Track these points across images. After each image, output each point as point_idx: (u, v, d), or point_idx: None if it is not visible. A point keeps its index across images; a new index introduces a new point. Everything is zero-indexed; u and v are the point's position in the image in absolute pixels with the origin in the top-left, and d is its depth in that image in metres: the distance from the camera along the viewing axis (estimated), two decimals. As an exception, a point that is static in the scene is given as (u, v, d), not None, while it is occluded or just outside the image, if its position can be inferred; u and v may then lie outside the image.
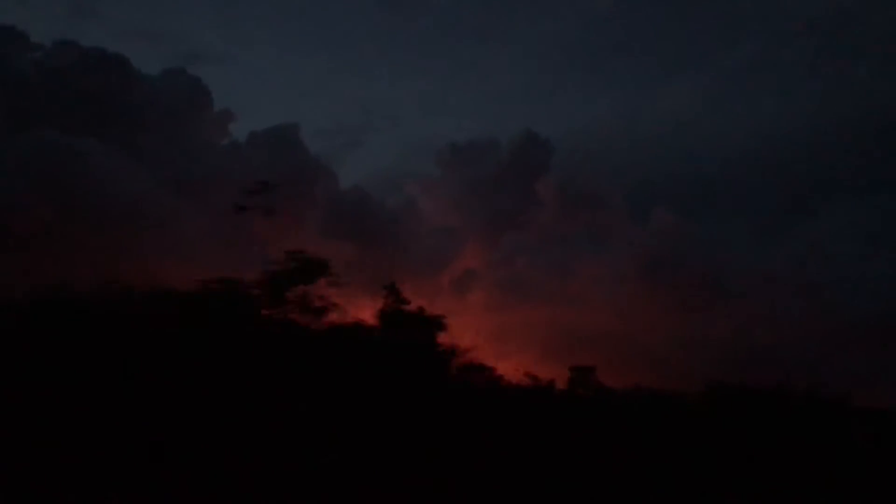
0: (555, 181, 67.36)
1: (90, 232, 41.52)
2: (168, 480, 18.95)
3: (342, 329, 25.93)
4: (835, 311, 56.65)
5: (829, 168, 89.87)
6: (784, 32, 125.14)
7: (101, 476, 18.72)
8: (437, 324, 30.76)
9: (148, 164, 49.36)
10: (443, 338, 30.67)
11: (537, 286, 60.50)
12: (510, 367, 37.15)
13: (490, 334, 55.85)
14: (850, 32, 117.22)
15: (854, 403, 31.65)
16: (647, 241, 62.80)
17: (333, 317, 25.88)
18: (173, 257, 44.91)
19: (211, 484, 19.23)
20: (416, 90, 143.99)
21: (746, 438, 27.28)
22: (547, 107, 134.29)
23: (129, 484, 18.65)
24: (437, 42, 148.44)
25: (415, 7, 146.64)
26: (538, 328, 59.69)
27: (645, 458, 24.96)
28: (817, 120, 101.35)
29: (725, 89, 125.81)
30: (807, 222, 73.36)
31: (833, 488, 25.16)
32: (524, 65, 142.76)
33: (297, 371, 22.68)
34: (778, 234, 75.45)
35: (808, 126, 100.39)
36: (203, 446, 20.35)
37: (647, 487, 23.02)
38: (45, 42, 55.17)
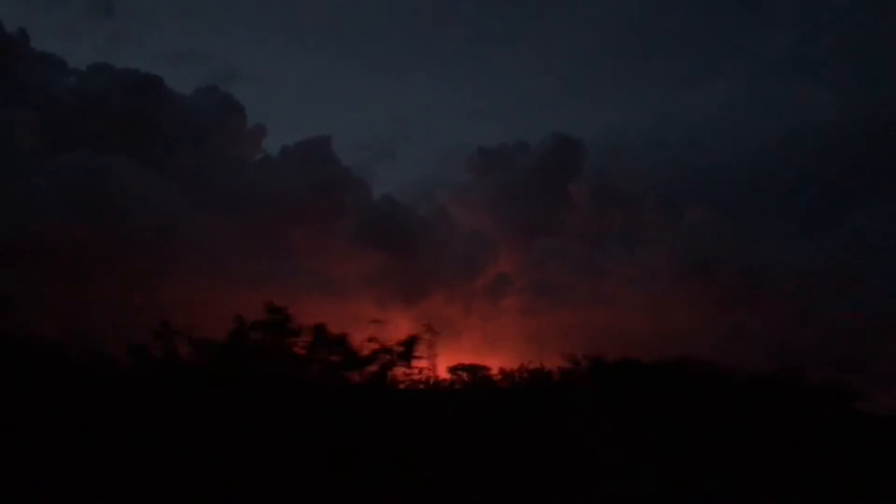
0: (587, 183, 66.84)
1: (125, 248, 42.43)
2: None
3: None
4: (877, 304, 55.26)
5: (869, 161, 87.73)
6: (817, 25, 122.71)
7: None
8: None
9: (181, 181, 50.32)
10: None
11: (572, 289, 60.04)
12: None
13: (527, 339, 55.70)
14: (885, 23, 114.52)
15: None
16: (684, 240, 61.98)
17: None
18: (208, 273, 45.75)
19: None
20: (448, 98, 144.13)
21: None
22: (579, 109, 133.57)
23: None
24: (467, 50, 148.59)
25: (444, 16, 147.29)
26: (575, 331, 59.21)
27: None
28: (855, 112, 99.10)
29: (759, 84, 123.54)
30: (847, 216, 71.67)
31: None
32: (556, 68, 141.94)
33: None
34: (818, 228, 73.93)
35: (846, 119, 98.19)
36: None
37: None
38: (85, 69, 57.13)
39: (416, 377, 28.26)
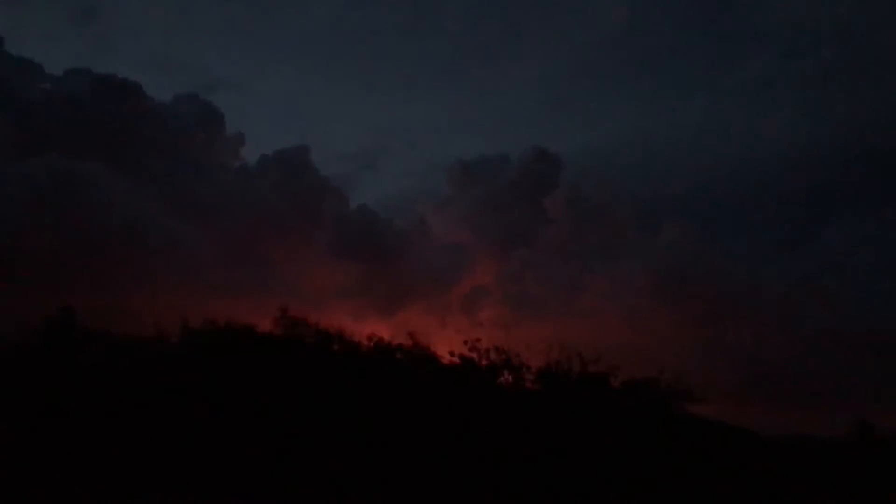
0: (565, 197, 67.08)
1: (98, 255, 41.92)
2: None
3: None
4: (850, 321, 55.77)
5: (843, 179, 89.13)
6: (794, 48, 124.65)
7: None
8: None
9: (157, 187, 49.91)
10: None
11: (549, 301, 60.11)
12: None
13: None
14: (860, 47, 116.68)
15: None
16: (660, 254, 62.23)
17: None
18: (182, 280, 45.33)
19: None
20: (431, 112, 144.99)
21: None
22: (561, 125, 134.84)
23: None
24: (450, 64, 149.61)
25: (428, 31, 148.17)
26: (552, 345, 59.07)
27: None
28: (831, 133, 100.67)
29: (737, 103, 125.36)
30: (822, 234, 72.53)
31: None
32: (538, 84, 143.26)
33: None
34: (793, 246, 74.75)
35: (823, 139, 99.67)
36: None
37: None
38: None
39: None
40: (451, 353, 28.01)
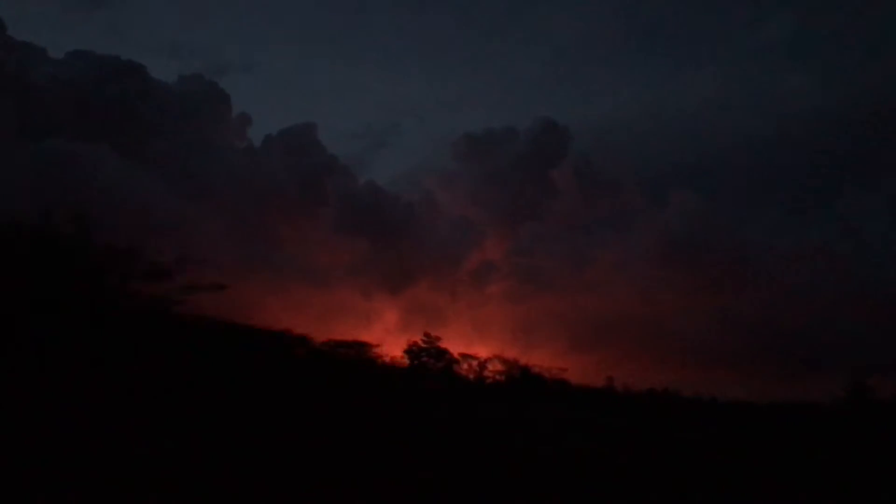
0: (574, 168, 66.56)
1: (105, 237, 41.87)
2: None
3: None
4: (864, 288, 55.24)
5: (856, 149, 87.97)
6: (809, 13, 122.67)
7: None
8: None
9: (163, 169, 49.86)
10: None
11: (559, 275, 60.09)
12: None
13: (515, 326, 55.57)
14: (879, 10, 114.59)
15: None
16: (669, 225, 61.75)
17: None
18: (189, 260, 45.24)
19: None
20: (440, 88, 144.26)
21: None
22: (568, 96, 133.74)
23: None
24: (457, 38, 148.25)
25: (434, 7, 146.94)
26: (562, 318, 59.26)
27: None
28: (843, 100, 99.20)
29: (750, 72, 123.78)
30: (834, 202, 71.78)
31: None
32: (548, 57, 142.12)
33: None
34: (807, 212, 74.01)
35: (835, 107, 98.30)
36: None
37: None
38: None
39: None
40: None
